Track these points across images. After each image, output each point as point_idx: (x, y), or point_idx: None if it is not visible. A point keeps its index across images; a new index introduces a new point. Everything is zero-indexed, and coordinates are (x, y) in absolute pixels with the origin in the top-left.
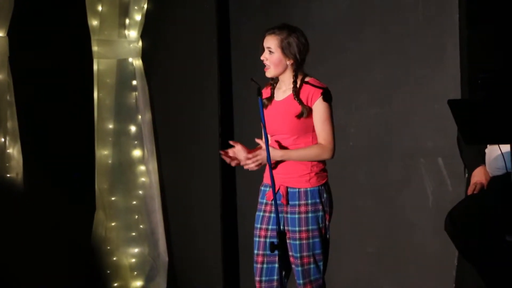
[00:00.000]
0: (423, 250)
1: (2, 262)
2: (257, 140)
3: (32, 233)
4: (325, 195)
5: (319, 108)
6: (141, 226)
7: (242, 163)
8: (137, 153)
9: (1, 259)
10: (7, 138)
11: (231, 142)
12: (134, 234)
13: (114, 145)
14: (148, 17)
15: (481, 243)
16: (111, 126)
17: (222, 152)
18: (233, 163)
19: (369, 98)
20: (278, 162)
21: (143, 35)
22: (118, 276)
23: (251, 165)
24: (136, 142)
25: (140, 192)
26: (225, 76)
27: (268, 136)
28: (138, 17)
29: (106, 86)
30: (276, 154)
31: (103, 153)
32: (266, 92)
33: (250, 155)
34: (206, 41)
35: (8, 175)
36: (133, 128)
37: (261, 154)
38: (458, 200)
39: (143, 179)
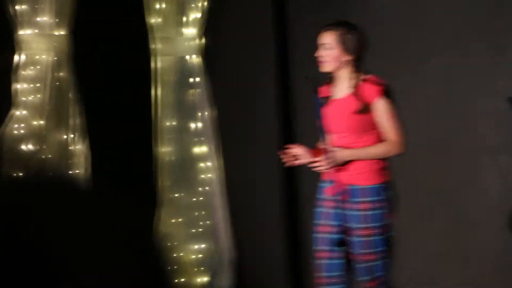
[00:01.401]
0: (488, 250)
1: (66, 259)
2: (321, 145)
3: (96, 230)
4: (387, 193)
5: (381, 106)
6: (205, 223)
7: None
8: (199, 150)
9: (64, 256)
10: (70, 135)
11: (289, 147)
12: (198, 230)
13: (176, 142)
14: (208, 14)
15: None
16: (172, 123)
17: (282, 151)
18: (291, 163)
19: (427, 94)
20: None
21: (204, 33)
22: (182, 272)
23: (325, 166)
24: (197, 139)
25: (204, 188)
26: (283, 73)
27: (330, 135)
28: (197, 14)
29: (166, 84)
30: (343, 153)
31: (165, 150)
32: (324, 91)
33: (323, 157)
34: (263, 39)
35: (77, 171)
36: (193, 125)
37: (334, 156)
38: None
39: (205, 175)
